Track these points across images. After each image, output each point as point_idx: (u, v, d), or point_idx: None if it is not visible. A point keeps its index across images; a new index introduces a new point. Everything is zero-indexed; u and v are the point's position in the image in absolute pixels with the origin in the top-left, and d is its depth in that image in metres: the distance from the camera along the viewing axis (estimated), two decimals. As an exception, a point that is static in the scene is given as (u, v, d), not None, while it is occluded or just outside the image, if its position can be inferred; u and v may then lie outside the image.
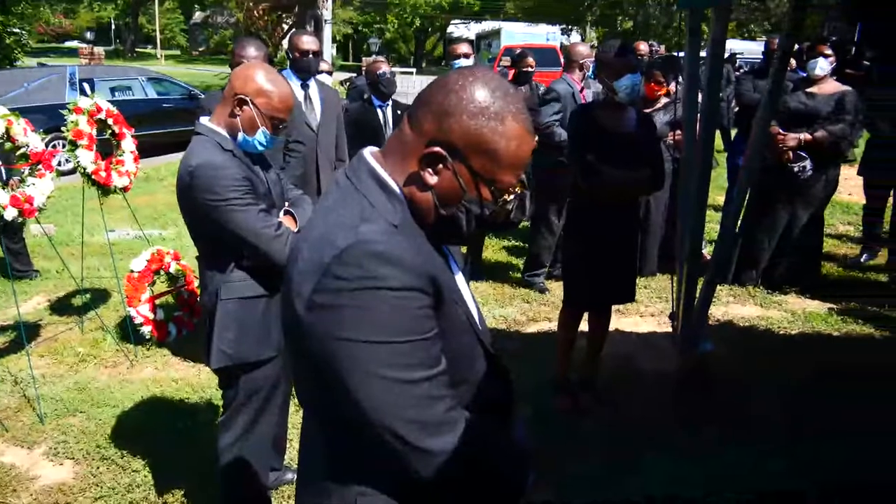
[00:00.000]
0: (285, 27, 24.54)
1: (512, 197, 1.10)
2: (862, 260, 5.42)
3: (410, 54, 46.54)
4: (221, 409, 2.29)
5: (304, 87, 3.70)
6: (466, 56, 4.79)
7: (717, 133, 9.02)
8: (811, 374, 3.56)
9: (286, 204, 2.23)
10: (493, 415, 1.16)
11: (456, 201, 1.06)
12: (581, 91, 4.52)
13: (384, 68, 4.35)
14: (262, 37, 19.38)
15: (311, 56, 3.64)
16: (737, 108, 7.30)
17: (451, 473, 1.00)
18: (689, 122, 3.17)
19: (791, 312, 4.47)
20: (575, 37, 29.94)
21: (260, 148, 2.07)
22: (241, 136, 2.04)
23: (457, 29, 43.88)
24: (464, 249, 4.02)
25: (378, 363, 0.95)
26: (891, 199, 5.49)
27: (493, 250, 5.88)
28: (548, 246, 4.74)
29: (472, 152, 1.03)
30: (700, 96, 3.12)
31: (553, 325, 3.83)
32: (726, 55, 10.53)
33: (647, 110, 4.37)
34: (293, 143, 3.46)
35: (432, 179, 1.04)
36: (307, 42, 3.65)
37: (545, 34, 28.14)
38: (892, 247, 5.18)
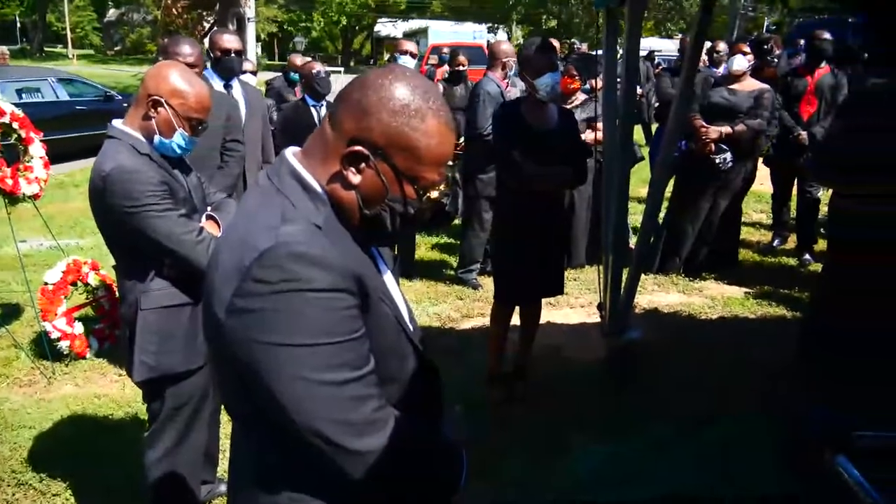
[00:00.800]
0: (206, 25, 23.79)
1: (436, 194, 1.11)
2: (774, 245, 5.74)
3: (338, 53, 45.98)
4: (147, 424, 2.21)
5: (227, 87, 3.60)
6: (413, 55, 4.74)
7: (639, 128, 9.38)
8: (731, 357, 3.75)
9: (208, 208, 2.17)
10: (422, 413, 1.17)
11: (380, 200, 1.06)
12: (507, 89, 4.60)
13: (318, 67, 4.34)
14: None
15: (233, 55, 3.55)
16: (657, 104, 7.56)
17: (381, 473, 1.00)
18: (609, 118, 3.27)
19: (711, 298, 4.69)
20: (501, 35, 30.34)
21: (178, 151, 2.01)
22: (157, 138, 1.96)
23: (384, 27, 43.69)
24: (396, 250, 4.01)
25: (303, 366, 0.94)
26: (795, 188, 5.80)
27: (426, 248, 5.89)
28: (480, 242, 4.79)
29: (394, 150, 1.03)
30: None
31: (487, 321, 3.87)
32: (645, 53, 10.89)
33: (567, 107, 4.50)
34: (231, 143, 3.38)
35: (355, 179, 1.04)
36: (228, 41, 3.56)
37: (472, 32, 28.40)
38: (799, 232, 5.49)
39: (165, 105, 1.93)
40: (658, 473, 2.78)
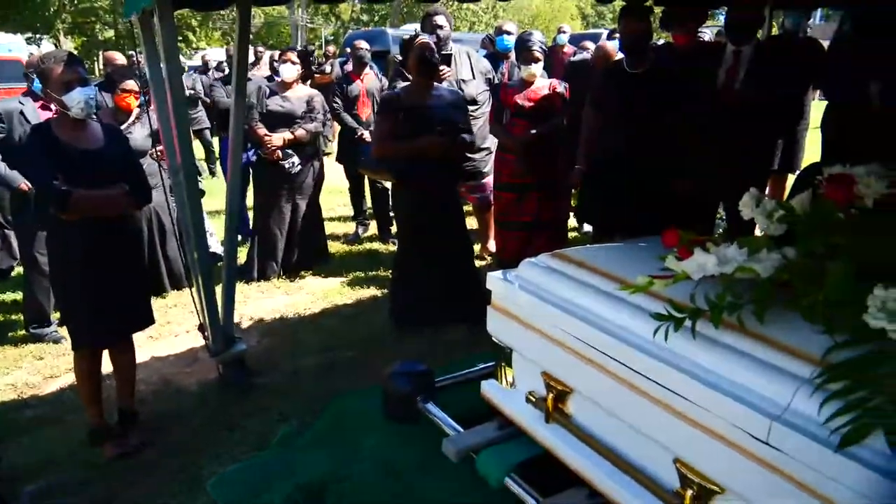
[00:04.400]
0: None
1: None
2: (359, 234, 6.33)
3: None
4: None
5: None
6: None
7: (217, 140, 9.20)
8: (339, 342, 4.04)
9: None
10: None
11: None
12: (54, 112, 4.04)
13: None
14: None
15: None
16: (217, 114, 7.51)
17: None
18: (167, 132, 3.13)
19: (312, 293, 4.93)
20: (47, 47, 26.42)
21: None
22: None
23: None
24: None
25: None
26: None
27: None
28: (46, 288, 4.12)
29: None
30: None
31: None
32: (215, 64, 10.77)
33: (124, 125, 4.21)
34: None
35: None
36: None
37: (7, 44, 24.06)
38: (377, 219, 6.16)
39: None
40: (291, 470, 2.82)
